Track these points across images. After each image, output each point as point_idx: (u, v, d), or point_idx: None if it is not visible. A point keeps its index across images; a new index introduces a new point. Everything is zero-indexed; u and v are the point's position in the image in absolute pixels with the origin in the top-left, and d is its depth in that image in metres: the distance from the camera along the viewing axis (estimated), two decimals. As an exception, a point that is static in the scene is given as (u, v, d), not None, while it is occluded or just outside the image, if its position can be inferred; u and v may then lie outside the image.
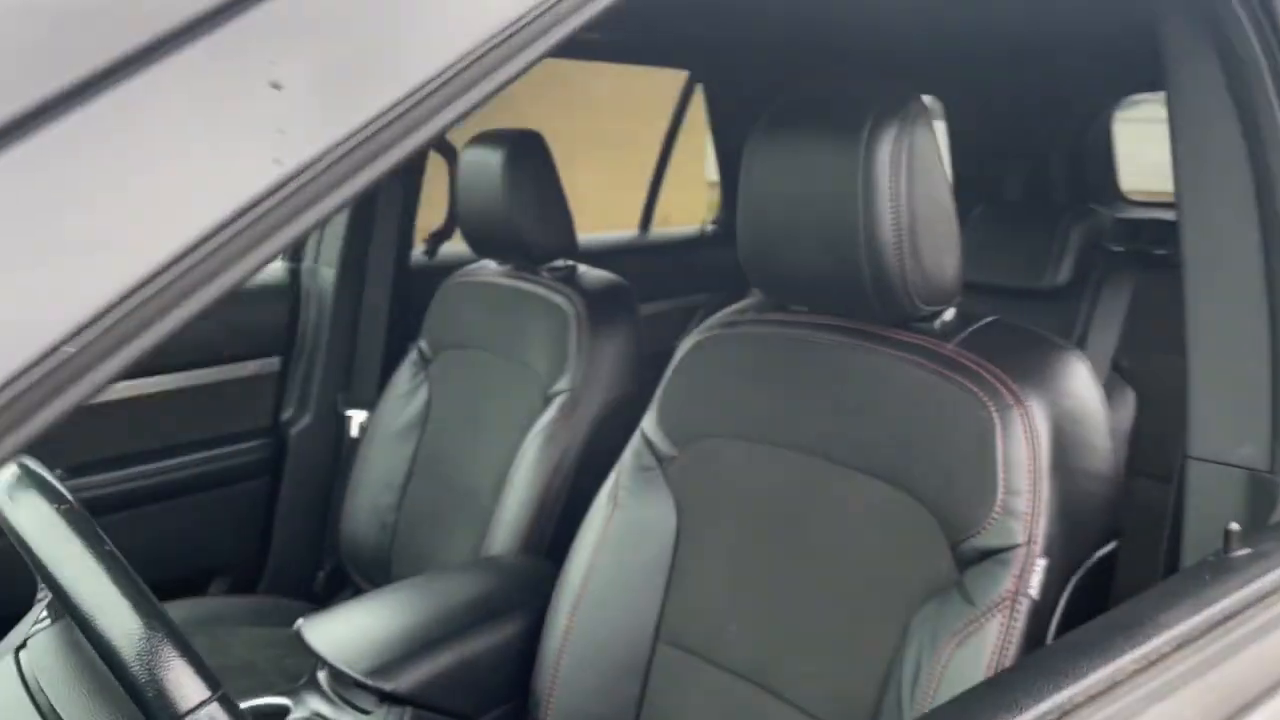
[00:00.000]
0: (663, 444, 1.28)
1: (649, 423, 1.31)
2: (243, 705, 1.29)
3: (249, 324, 2.02)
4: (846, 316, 1.15)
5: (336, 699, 1.27)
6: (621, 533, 1.27)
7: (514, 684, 1.31)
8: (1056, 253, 2.15)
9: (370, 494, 1.91)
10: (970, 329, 1.08)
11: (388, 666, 1.24)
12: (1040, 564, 0.94)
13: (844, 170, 1.01)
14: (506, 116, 1.57)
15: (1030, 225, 2.23)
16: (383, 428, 1.93)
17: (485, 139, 1.76)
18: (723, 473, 1.22)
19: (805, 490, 1.14)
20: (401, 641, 1.27)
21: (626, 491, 1.29)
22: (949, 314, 1.10)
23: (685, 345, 1.30)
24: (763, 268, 1.14)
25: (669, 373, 1.30)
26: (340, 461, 2.05)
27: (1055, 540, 0.95)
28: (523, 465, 1.64)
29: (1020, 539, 0.95)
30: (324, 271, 2.09)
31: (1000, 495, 0.97)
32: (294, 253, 2.16)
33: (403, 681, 1.23)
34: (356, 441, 1.99)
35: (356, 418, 2.04)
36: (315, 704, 1.29)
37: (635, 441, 1.32)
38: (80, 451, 1.83)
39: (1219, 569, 0.85)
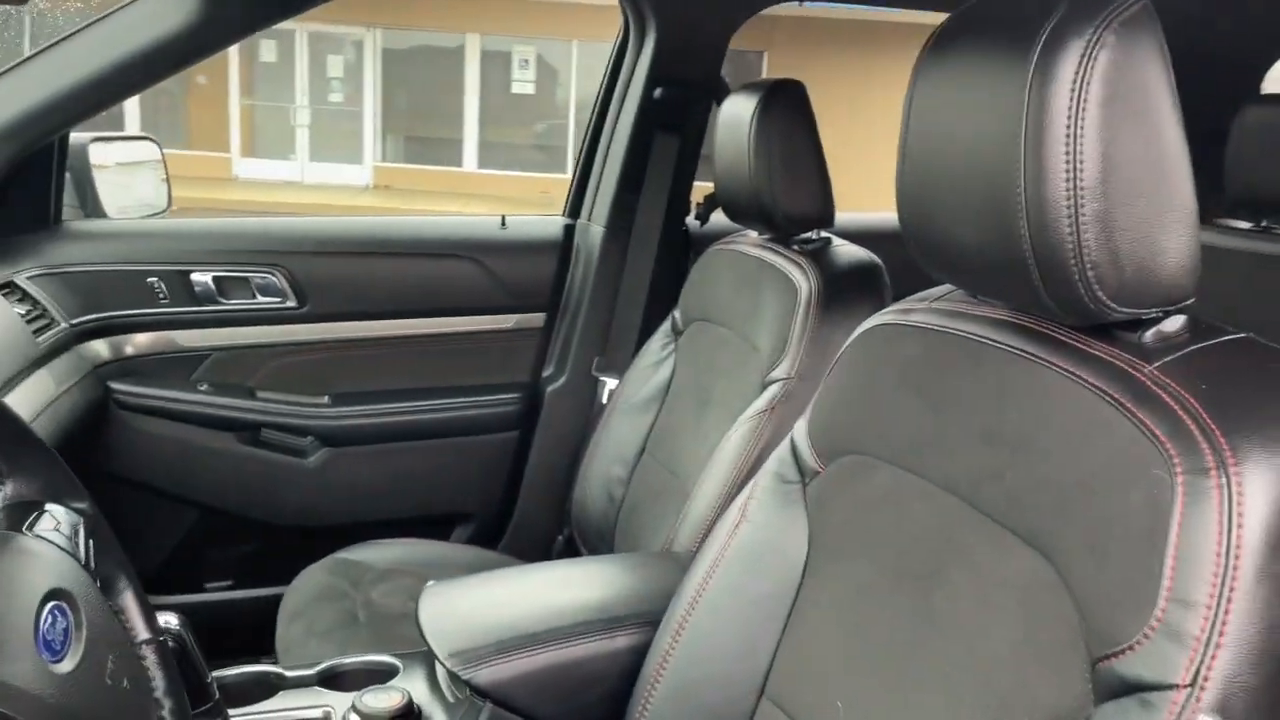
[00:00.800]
0: (808, 455, 1.03)
1: (800, 427, 1.06)
2: (358, 659, 1.26)
3: (519, 276, 2.00)
4: (1023, 311, 0.83)
5: (440, 673, 1.18)
6: (744, 553, 1.04)
7: (611, 701, 1.13)
8: None
9: (603, 465, 1.81)
10: (1194, 346, 0.72)
11: (473, 654, 1.12)
12: (1204, 725, 0.59)
13: (1007, 100, 0.71)
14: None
15: None
16: (626, 397, 1.82)
17: (745, 89, 1.56)
18: (864, 502, 0.95)
19: (944, 542, 0.84)
20: (498, 631, 1.15)
21: (758, 505, 1.05)
22: (1172, 322, 0.75)
23: (854, 334, 1.03)
24: (919, 233, 0.85)
25: (831, 367, 1.05)
26: (588, 427, 1.98)
27: (1243, 697, 0.59)
28: (720, 456, 1.44)
29: (1179, 677, 0.61)
30: (595, 229, 2.02)
31: (1163, 603, 0.62)
32: (573, 208, 2.11)
33: (483, 674, 1.11)
34: (603, 408, 1.91)
35: (609, 384, 1.95)
36: (421, 673, 1.21)
37: (783, 447, 1.07)
38: (344, 381, 1.92)
39: None
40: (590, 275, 1.99)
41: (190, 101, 14.60)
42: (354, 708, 1.13)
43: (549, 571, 1.32)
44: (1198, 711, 0.60)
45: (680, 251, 2.01)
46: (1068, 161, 0.68)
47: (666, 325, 1.83)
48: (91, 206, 1.88)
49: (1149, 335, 0.74)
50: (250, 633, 1.72)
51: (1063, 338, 0.78)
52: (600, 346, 2.01)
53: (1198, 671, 0.60)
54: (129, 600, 0.85)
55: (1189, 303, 0.74)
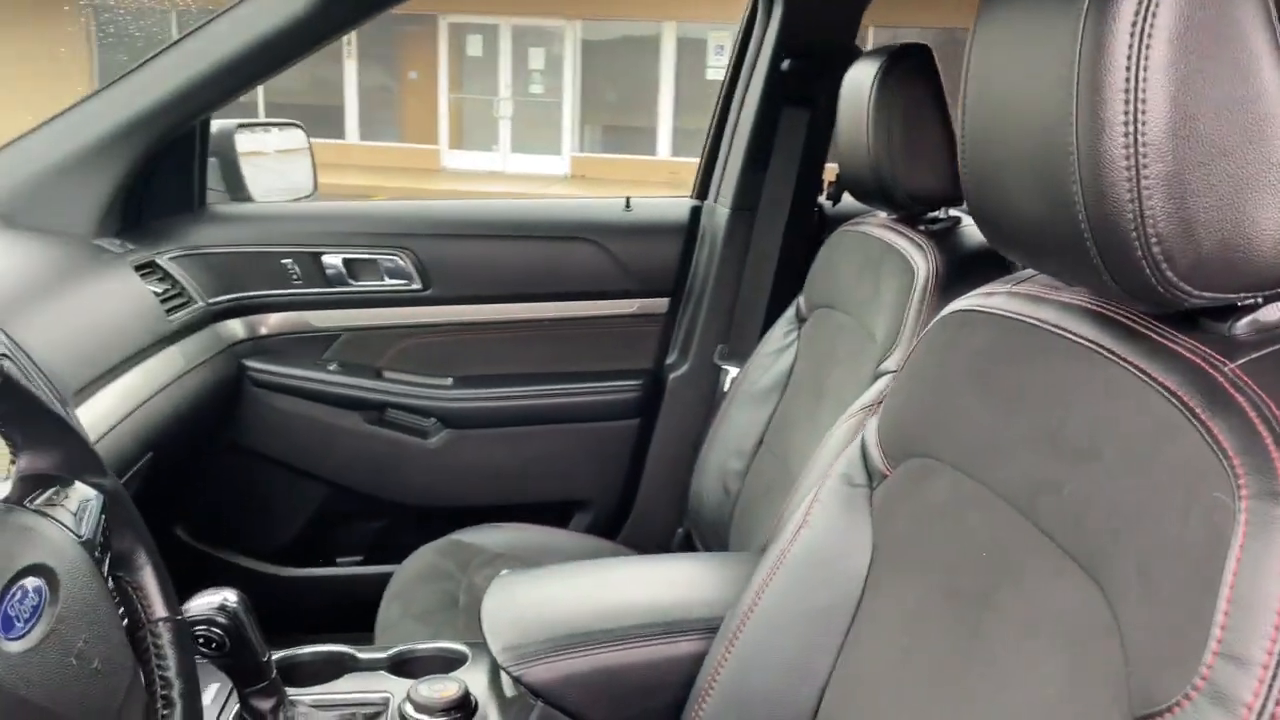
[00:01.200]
0: (877, 456, 0.92)
1: (871, 425, 0.95)
2: (431, 645, 1.24)
3: (642, 260, 1.94)
4: (1096, 295, 0.69)
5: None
6: (802, 561, 0.94)
7: (671, 711, 1.06)
8: None
9: (720, 457, 1.73)
10: None
11: (527, 650, 1.07)
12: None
13: (1060, 42, 0.59)
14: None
15: None
16: (746, 386, 1.73)
17: (869, 55, 1.44)
18: (926, 510, 0.83)
19: (999, 559, 0.72)
20: (553, 628, 1.09)
21: (822, 509, 0.95)
22: (1274, 310, 0.60)
23: (931, 322, 0.92)
24: (982, 207, 0.73)
25: (906, 358, 0.93)
26: (710, 417, 1.90)
27: None
28: (821, 453, 1.34)
29: None
30: (720, 211, 1.93)
31: (1210, 658, 0.49)
32: (701, 189, 2.03)
33: (534, 672, 1.06)
34: (724, 397, 1.82)
35: (731, 372, 1.86)
36: (487, 664, 1.18)
37: (853, 446, 0.97)
38: (467, 363, 1.92)
39: None
40: (715, 259, 1.91)
41: (405, 97, 15.38)
42: (409, 697, 1.11)
43: (624, 568, 1.26)
44: None
45: (813, 233, 1.89)
46: (1127, 112, 0.56)
47: (791, 311, 1.72)
48: (238, 191, 1.96)
49: (1241, 325, 0.60)
50: (370, 609, 1.75)
51: (1140, 328, 0.65)
52: (724, 333, 1.93)
53: None
54: (147, 578, 0.85)
55: None
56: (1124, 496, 0.60)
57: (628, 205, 1.98)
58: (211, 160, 1.91)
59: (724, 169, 1.94)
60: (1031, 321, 0.76)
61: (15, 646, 0.63)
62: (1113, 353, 0.65)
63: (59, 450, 0.80)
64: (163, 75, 1.61)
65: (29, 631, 0.65)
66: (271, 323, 1.86)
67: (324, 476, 1.91)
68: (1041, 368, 0.72)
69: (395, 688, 1.14)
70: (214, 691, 1.13)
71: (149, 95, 1.62)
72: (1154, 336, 0.63)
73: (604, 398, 1.94)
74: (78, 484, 0.81)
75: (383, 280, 1.88)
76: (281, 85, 14.93)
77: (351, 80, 15.17)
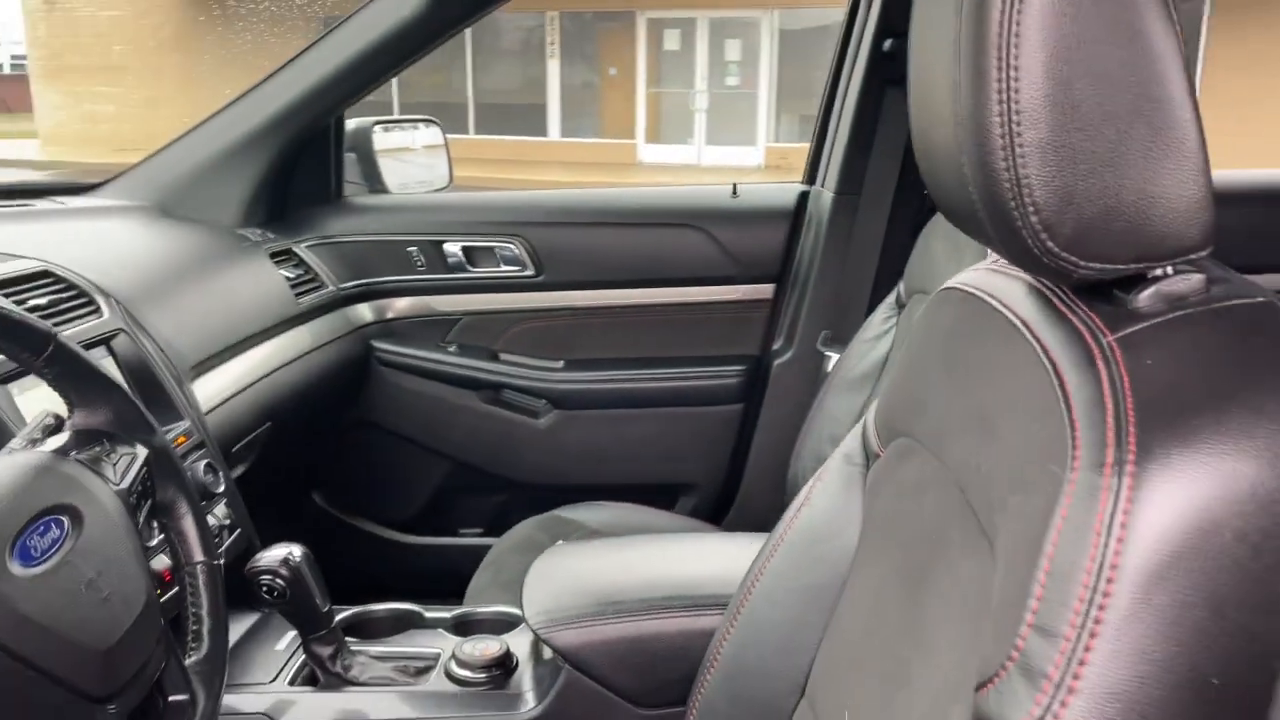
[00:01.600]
0: (873, 436, 0.91)
1: (873, 406, 0.94)
2: (491, 609, 1.31)
3: (748, 246, 1.94)
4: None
5: None
6: (800, 539, 0.95)
7: (684, 682, 1.08)
8: None
9: (816, 443, 1.72)
10: (1181, 312, 0.54)
11: (557, 615, 1.12)
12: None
13: (949, 19, 0.58)
14: None
15: None
16: (843, 373, 1.71)
17: None
18: (901, 488, 0.82)
19: (941, 538, 0.71)
20: (585, 596, 1.14)
21: (822, 488, 0.95)
22: (1182, 281, 0.56)
23: (926, 301, 0.90)
24: (926, 175, 0.72)
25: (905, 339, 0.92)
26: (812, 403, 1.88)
27: None
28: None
29: (1018, 718, 0.46)
30: (826, 196, 1.90)
31: (1025, 629, 0.48)
32: (809, 174, 2.01)
33: (562, 636, 1.11)
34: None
35: (833, 358, 1.84)
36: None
37: (858, 427, 0.96)
38: (577, 347, 1.99)
39: None
40: (819, 244, 1.89)
41: (605, 93, 15.76)
42: (454, 653, 1.19)
43: (666, 544, 1.28)
44: None
45: (919, 217, 1.84)
46: (1000, 79, 0.54)
47: (891, 297, 1.69)
48: (375, 184, 2.11)
49: (1145, 297, 0.56)
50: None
51: (1055, 301, 0.62)
52: (828, 319, 1.90)
53: (1041, 718, 0.46)
54: (188, 525, 0.96)
55: (1202, 256, 0.55)
56: (1009, 474, 0.58)
57: (734, 192, 1.99)
58: (351, 155, 2.06)
59: (830, 153, 1.92)
60: (985, 297, 0.74)
61: (27, 572, 0.74)
62: (1028, 327, 0.63)
63: (109, 409, 0.92)
64: (296, 79, 1.76)
65: (44, 562, 0.76)
66: (398, 307, 2.00)
67: (445, 452, 2.03)
68: (984, 344, 0.70)
69: (449, 645, 1.22)
70: (287, 640, 1.24)
71: (284, 97, 1.77)
72: (1061, 309, 0.61)
73: (708, 383, 1.96)
74: (125, 440, 0.92)
75: (499, 267, 1.97)
76: (488, 86, 15.64)
77: (554, 79, 15.68)
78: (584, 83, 15.92)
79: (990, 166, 0.56)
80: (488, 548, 2.03)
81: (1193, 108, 0.54)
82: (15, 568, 0.73)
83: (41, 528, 0.77)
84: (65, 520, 0.79)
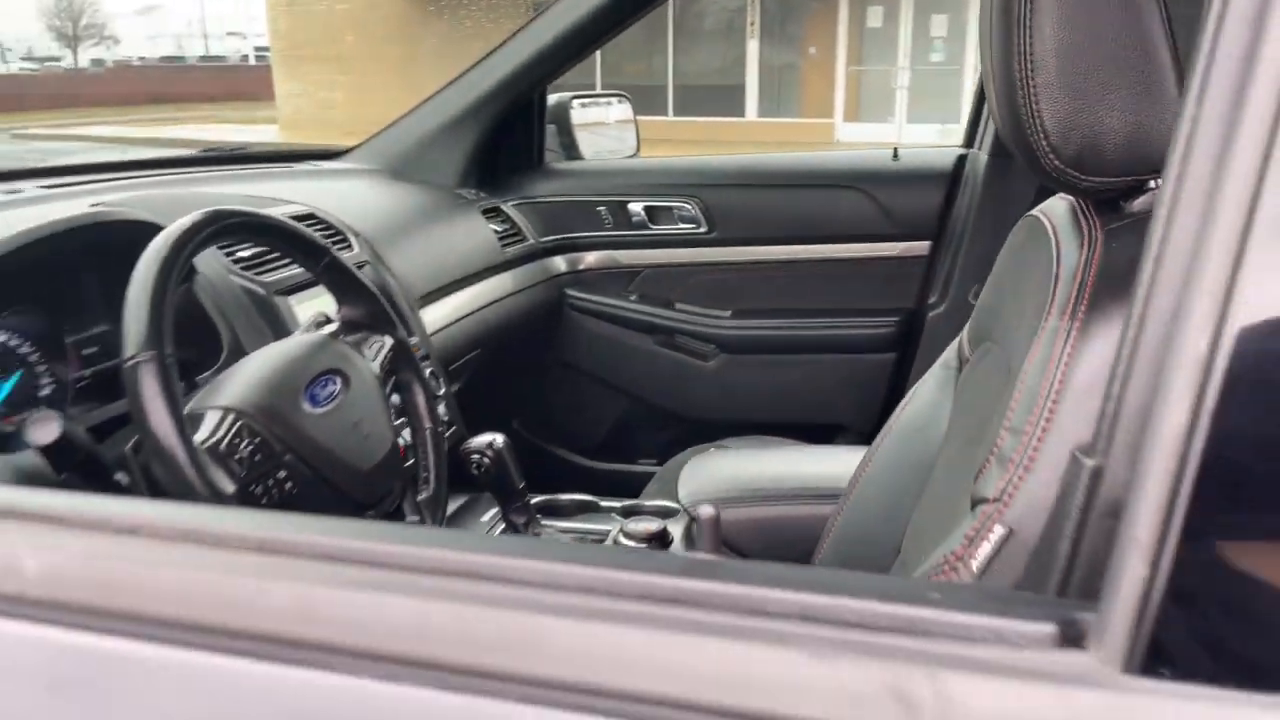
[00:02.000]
0: (966, 344, 1.09)
1: (972, 317, 1.12)
2: (655, 501, 1.56)
3: (906, 206, 2.10)
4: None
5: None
6: (904, 430, 1.14)
7: (808, 559, 1.28)
8: None
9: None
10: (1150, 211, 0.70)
11: (700, 497, 1.35)
12: (996, 533, 0.64)
13: None
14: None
15: None
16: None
17: None
18: (973, 382, 1.00)
19: (987, 418, 0.89)
20: (727, 483, 1.36)
21: (925, 388, 1.14)
22: None
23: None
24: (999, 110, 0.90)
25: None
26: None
27: (1033, 513, 0.63)
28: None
29: (993, 492, 0.66)
30: (981, 158, 2.03)
31: (1003, 428, 0.68)
32: (968, 137, 2.13)
33: (706, 512, 1.33)
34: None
35: (980, 312, 1.97)
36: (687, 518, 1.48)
37: (957, 339, 1.14)
38: (744, 298, 2.20)
39: None
40: (974, 204, 2.02)
41: (805, 73, 15.77)
42: (621, 528, 1.44)
43: (804, 450, 1.48)
44: (996, 521, 0.65)
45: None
46: (1019, 31, 0.72)
47: None
48: (571, 151, 2.39)
49: (1139, 202, 0.73)
50: None
51: (1078, 210, 0.79)
52: (980, 274, 2.03)
53: (1005, 488, 0.65)
54: (420, 400, 1.25)
55: None
56: (1026, 330, 0.76)
57: (895, 155, 2.14)
58: (551, 127, 2.35)
59: (987, 119, 2.04)
60: (1040, 216, 0.90)
61: (315, 411, 1.03)
62: (1054, 228, 0.80)
63: (366, 308, 1.21)
64: (504, 61, 2.05)
65: (326, 405, 1.05)
66: (588, 260, 2.27)
67: (625, 389, 2.29)
68: (1035, 250, 0.88)
69: (618, 526, 1.47)
70: (491, 514, 1.53)
71: (495, 77, 2.06)
72: (1078, 215, 0.78)
73: (864, 332, 2.14)
74: (377, 331, 1.21)
75: (676, 225, 2.21)
76: (688, 68, 15.91)
77: (753, 59, 15.80)
78: (787, 63, 15.96)
79: (1014, 103, 0.74)
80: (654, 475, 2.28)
81: (1174, 62, 0.70)
82: (307, 407, 1.03)
83: (324, 381, 1.07)
84: (339, 379, 1.09)
